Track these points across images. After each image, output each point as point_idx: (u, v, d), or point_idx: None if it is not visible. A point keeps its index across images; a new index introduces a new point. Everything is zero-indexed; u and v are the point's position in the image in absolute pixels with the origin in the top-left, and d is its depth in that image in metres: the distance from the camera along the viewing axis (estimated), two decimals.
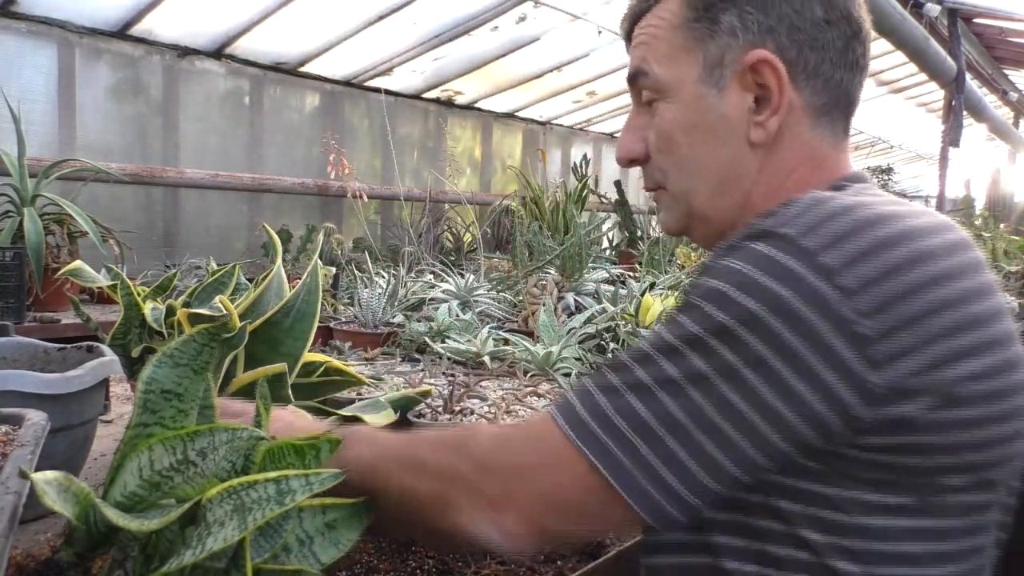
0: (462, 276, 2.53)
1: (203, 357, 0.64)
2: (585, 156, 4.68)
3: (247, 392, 0.73)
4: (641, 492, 0.60)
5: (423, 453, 0.69)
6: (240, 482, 0.56)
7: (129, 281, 1.05)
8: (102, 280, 1.12)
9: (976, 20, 5.74)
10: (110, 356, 0.97)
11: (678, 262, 3.04)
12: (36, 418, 0.74)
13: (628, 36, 0.80)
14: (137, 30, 3.31)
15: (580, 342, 1.74)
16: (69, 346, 1.02)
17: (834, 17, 0.71)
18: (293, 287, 0.89)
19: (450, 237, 4.29)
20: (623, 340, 1.70)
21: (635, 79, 0.77)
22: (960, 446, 0.60)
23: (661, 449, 0.59)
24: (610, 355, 1.65)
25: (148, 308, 1.07)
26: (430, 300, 2.19)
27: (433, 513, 0.67)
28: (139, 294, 1.08)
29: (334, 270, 2.29)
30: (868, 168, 7.33)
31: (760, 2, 0.70)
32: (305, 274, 0.87)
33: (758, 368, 0.58)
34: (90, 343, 1.01)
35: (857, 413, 0.58)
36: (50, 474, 0.56)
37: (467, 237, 4.29)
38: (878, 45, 4.92)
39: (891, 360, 0.57)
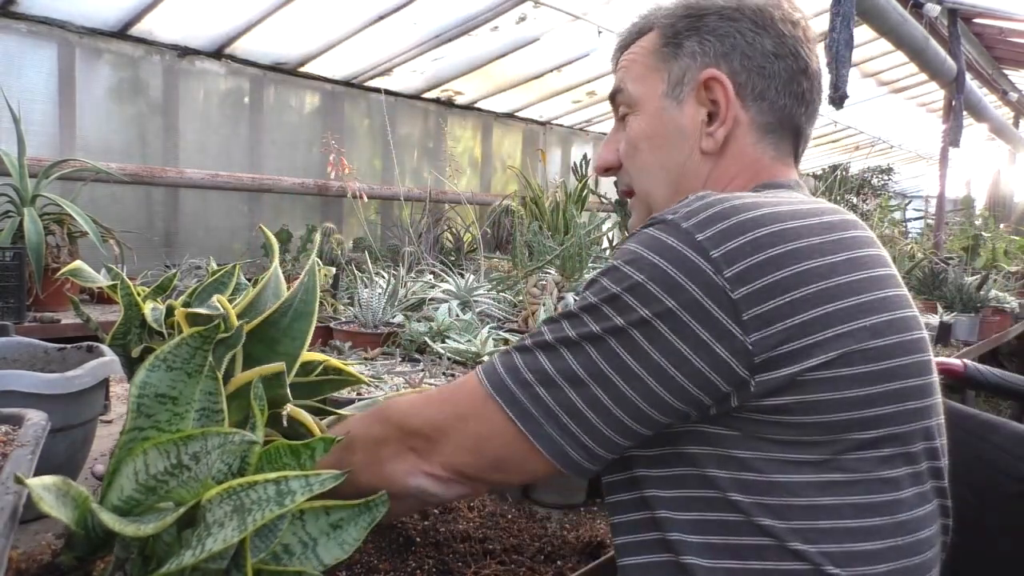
0: (462, 276, 2.53)
1: (197, 360, 0.64)
2: (585, 156, 4.67)
3: (244, 393, 0.73)
4: (547, 437, 0.69)
5: (354, 432, 0.78)
6: (240, 483, 0.56)
7: (129, 281, 1.05)
8: (102, 280, 1.12)
9: (976, 20, 5.74)
10: (110, 356, 0.97)
11: None
12: (36, 418, 0.74)
13: (616, 63, 0.93)
14: (137, 30, 3.31)
15: None
16: (69, 346, 1.02)
17: (782, 52, 0.83)
18: (291, 287, 0.89)
19: (450, 237, 4.29)
20: None
21: (614, 96, 0.91)
22: (855, 401, 0.67)
23: (563, 399, 0.69)
24: None
25: (148, 308, 1.07)
26: (430, 300, 2.19)
27: (370, 475, 0.75)
28: (139, 294, 1.08)
29: (334, 270, 2.29)
30: (868, 168, 7.33)
31: (718, 33, 0.83)
32: (303, 273, 0.87)
33: (643, 329, 0.66)
34: (90, 343, 1.01)
35: (741, 375, 0.65)
36: (48, 479, 0.56)
37: (467, 237, 4.29)
38: (878, 45, 4.92)
39: (763, 325, 0.65)
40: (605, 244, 4.26)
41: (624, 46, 0.92)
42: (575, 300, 0.73)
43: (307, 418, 0.81)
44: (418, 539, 0.85)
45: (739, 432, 0.69)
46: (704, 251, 0.66)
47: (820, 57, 0.88)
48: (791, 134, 0.86)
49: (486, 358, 1.63)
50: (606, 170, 0.93)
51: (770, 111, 0.83)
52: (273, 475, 0.56)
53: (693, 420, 0.70)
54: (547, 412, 0.69)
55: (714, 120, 0.83)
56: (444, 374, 1.50)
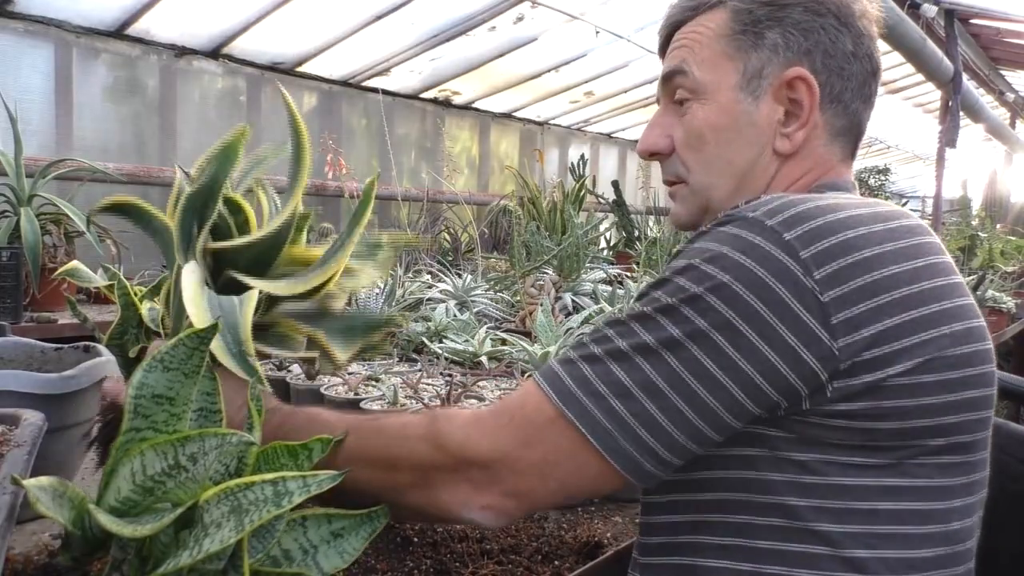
0: (460, 276, 2.53)
1: (194, 361, 0.63)
2: (583, 156, 4.68)
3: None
4: (623, 453, 0.65)
5: (404, 442, 0.72)
6: (237, 483, 0.56)
7: (126, 281, 1.04)
8: (98, 280, 1.11)
9: (973, 20, 5.75)
10: (106, 356, 0.97)
11: None
12: (33, 418, 0.74)
13: (667, 40, 0.85)
14: (134, 30, 3.30)
15: None
16: (66, 346, 1.02)
17: (860, 53, 0.78)
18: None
19: (447, 237, 4.29)
20: None
21: (671, 77, 0.82)
22: (930, 409, 0.65)
23: (641, 411, 0.64)
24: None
25: (145, 308, 1.06)
26: (428, 300, 2.19)
27: (419, 498, 0.71)
28: (136, 294, 1.08)
29: None
30: (865, 169, 7.34)
31: (802, 26, 0.77)
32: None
33: (728, 333, 0.62)
34: (87, 343, 1.01)
35: (823, 379, 0.63)
36: (44, 480, 0.56)
37: (465, 237, 4.29)
38: None
39: (851, 330, 0.62)
40: (603, 244, 4.27)
41: (681, 21, 0.83)
42: (641, 303, 0.68)
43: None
44: (415, 539, 0.85)
45: (796, 435, 0.66)
46: (793, 251, 0.63)
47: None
48: (856, 137, 0.82)
49: (484, 358, 1.63)
50: (652, 155, 0.85)
51: (843, 114, 0.79)
52: (270, 476, 0.56)
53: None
54: (623, 426, 0.65)
55: (791, 120, 0.78)
56: (441, 374, 1.50)
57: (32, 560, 0.71)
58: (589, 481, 0.68)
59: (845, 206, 0.67)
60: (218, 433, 0.58)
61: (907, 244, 0.67)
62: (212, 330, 0.64)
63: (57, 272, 1.09)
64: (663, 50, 0.86)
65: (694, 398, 0.63)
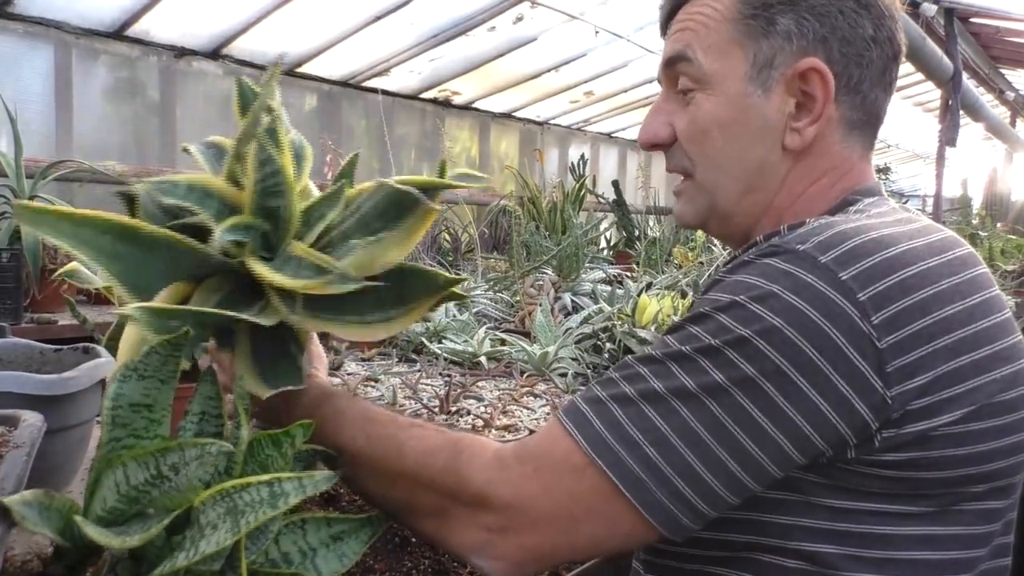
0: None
1: (168, 367, 0.63)
2: (583, 156, 4.68)
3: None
4: (659, 506, 0.59)
5: (423, 470, 0.68)
6: (233, 485, 0.56)
7: None
8: (98, 281, 1.12)
9: (973, 19, 5.75)
10: (106, 358, 0.97)
11: (675, 262, 3.04)
12: (32, 419, 0.74)
13: (668, 19, 0.78)
14: (134, 31, 3.31)
15: (577, 342, 1.75)
16: (65, 347, 1.02)
17: (881, 37, 0.72)
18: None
19: (447, 237, 4.29)
20: (619, 340, 1.70)
21: (674, 63, 0.75)
22: (976, 457, 0.61)
23: (679, 461, 0.59)
24: (606, 356, 1.65)
25: None
26: None
27: (434, 530, 0.69)
28: None
29: None
30: None
31: (818, 10, 0.70)
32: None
33: (777, 380, 0.58)
34: (86, 344, 1.02)
35: (873, 429, 0.59)
36: (28, 494, 0.56)
37: (464, 237, 4.29)
38: None
39: (904, 378, 0.58)
40: (603, 243, 4.27)
41: (682, 1, 0.76)
42: (677, 337, 0.62)
43: None
44: (414, 539, 0.85)
45: (833, 481, 0.61)
46: (850, 292, 0.58)
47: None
48: (875, 127, 0.76)
49: (483, 358, 1.63)
50: (654, 146, 0.78)
51: (862, 106, 0.73)
52: (266, 477, 0.57)
53: None
54: (659, 477, 0.59)
55: (802, 113, 0.71)
56: (441, 374, 1.51)
57: (26, 568, 0.71)
58: (621, 536, 0.62)
59: (899, 238, 0.62)
60: (197, 443, 0.58)
61: (961, 280, 0.63)
62: (183, 337, 0.64)
63: (57, 273, 1.09)
64: (665, 28, 0.79)
65: (737, 448, 0.59)
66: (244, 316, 0.69)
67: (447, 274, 0.77)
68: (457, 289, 0.78)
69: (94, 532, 0.54)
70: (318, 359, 0.88)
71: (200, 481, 0.60)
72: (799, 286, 0.59)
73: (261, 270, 0.68)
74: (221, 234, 0.68)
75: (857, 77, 0.71)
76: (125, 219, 0.69)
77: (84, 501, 0.60)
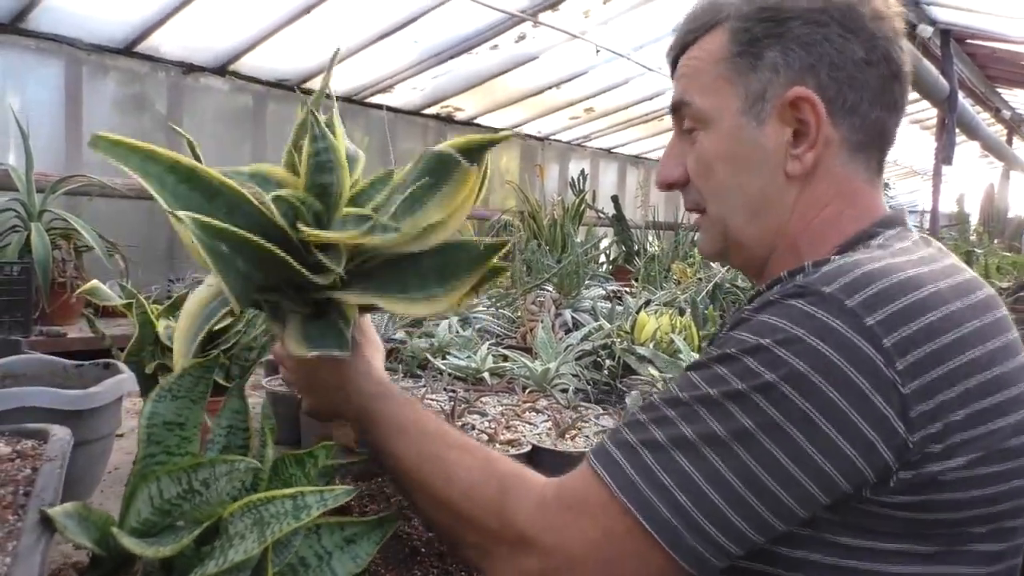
0: None
1: (200, 388, 0.68)
2: (583, 171, 4.73)
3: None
4: (689, 549, 0.62)
5: (468, 505, 0.71)
6: (259, 498, 0.60)
7: (144, 300, 1.09)
8: (117, 299, 1.16)
9: (969, 40, 5.82)
10: (127, 374, 1.01)
11: (674, 278, 3.08)
12: (61, 433, 0.78)
13: (674, 65, 0.82)
14: (143, 47, 3.37)
15: (577, 359, 1.78)
16: (86, 363, 1.06)
17: (874, 58, 0.73)
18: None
19: None
20: (619, 357, 1.74)
21: (678, 109, 0.80)
22: (985, 499, 0.63)
23: (708, 504, 0.61)
24: (605, 372, 1.68)
25: (162, 326, 1.11)
26: (431, 316, 2.23)
27: (472, 558, 0.72)
28: (153, 312, 1.12)
29: None
30: None
31: (803, 41, 0.72)
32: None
33: (803, 425, 0.59)
34: (107, 360, 1.06)
35: (893, 472, 0.60)
36: (69, 506, 0.60)
37: None
38: None
39: (927, 422, 0.59)
40: (603, 259, 4.31)
41: (684, 45, 0.80)
42: (702, 376, 0.64)
43: None
44: (423, 549, 0.88)
45: (843, 518, 0.63)
46: (875, 338, 0.59)
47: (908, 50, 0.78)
48: (880, 146, 0.77)
49: (486, 374, 1.67)
50: (669, 185, 0.83)
51: (861, 128, 0.74)
52: (290, 491, 0.61)
53: None
54: (690, 522, 0.61)
55: (801, 140, 0.74)
56: (445, 390, 1.54)
57: None
58: (651, 575, 0.64)
59: (924, 279, 0.63)
60: (227, 460, 0.62)
61: (983, 323, 0.64)
62: (214, 361, 0.68)
63: (79, 291, 1.13)
64: (673, 75, 0.83)
65: (765, 491, 0.60)
66: (283, 254, 0.67)
67: (486, 240, 0.78)
68: (497, 261, 0.79)
69: (130, 542, 0.58)
70: (375, 347, 0.91)
71: (228, 496, 0.64)
72: (824, 331, 0.60)
73: (308, 230, 0.69)
74: (270, 198, 0.70)
75: (853, 99, 0.73)
76: (194, 163, 0.70)
77: (120, 513, 0.63)
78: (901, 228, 0.75)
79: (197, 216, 0.64)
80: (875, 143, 0.76)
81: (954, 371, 0.60)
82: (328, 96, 0.84)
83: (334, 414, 0.87)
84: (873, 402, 0.59)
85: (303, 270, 0.69)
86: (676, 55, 0.81)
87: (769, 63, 0.73)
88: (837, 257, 0.67)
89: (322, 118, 0.78)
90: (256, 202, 0.71)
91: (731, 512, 0.61)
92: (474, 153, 0.75)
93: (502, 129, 5.43)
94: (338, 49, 0.92)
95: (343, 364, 0.81)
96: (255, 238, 0.66)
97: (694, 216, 0.85)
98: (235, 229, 0.66)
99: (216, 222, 0.65)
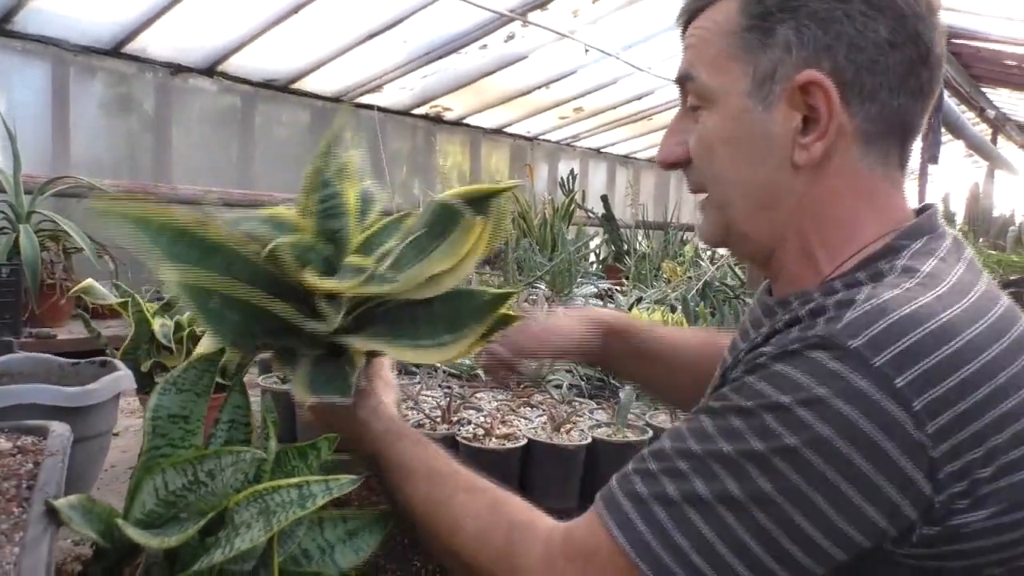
0: None
1: (204, 382, 0.68)
2: (572, 171, 4.74)
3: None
4: None
5: (475, 555, 0.69)
6: (265, 487, 0.61)
7: (140, 299, 1.09)
8: (112, 298, 1.16)
9: (954, 40, 5.87)
10: (124, 371, 1.01)
11: (664, 276, 3.09)
12: (60, 429, 0.78)
13: (682, 34, 0.76)
14: (131, 48, 3.35)
15: None
16: (83, 361, 1.06)
17: (900, 39, 0.65)
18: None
19: None
20: None
21: (682, 81, 0.74)
22: (996, 547, 0.60)
23: (723, 566, 0.59)
24: (598, 368, 1.69)
25: (157, 325, 1.11)
26: None
27: None
28: (148, 311, 1.12)
29: None
30: None
31: (820, 17, 0.65)
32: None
33: (826, 490, 0.57)
34: (104, 358, 1.05)
35: (917, 529, 0.58)
36: (74, 499, 0.61)
37: None
38: None
39: (954, 481, 0.57)
40: (593, 258, 4.33)
41: (693, 12, 0.73)
42: (718, 428, 0.61)
43: None
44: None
45: (858, 564, 0.60)
46: (906, 402, 0.56)
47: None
48: (902, 138, 0.70)
49: (480, 371, 1.67)
50: (671, 165, 0.76)
51: (879, 117, 0.67)
52: (295, 480, 0.61)
53: None
54: None
55: (810, 127, 0.67)
56: (440, 386, 1.55)
57: (65, 571, 0.75)
58: None
59: (959, 325, 0.59)
60: (232, 451, 0.63)
61: (1017, 369, 0.60)
62: (219, 354, 0.69)
63: (74, 289, 1.13)
64: (683, 38, 0.77)
65: (783, 555, 0.58)
66: (270, 303, 0.68)
67: (492, 290, 0.78)
68: (507, 309, 0.78)
69: (135, 533, 0.59)
70: (388, 387, 0.88)
71: (232, 488, 0.64)
72: (850, 394, 0.56)
73: (311, 279, 0.70)
74: (277, 243, 0.71)
75: (872, 85, 0.66)
76: (184, 219, 0.70)
77: (124, 506, 0.64)
78: (928, 237, 0.69)
79: (182, 274, 0.65)
80: (895, 134, 0.69)
81: (985, 427, 0.57)
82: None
83: (354, 448, 0.86)
84: (900, 466, 0.56)
85: (298, 318, 0.70)
86: (685, 22, 0.75)
87: (781, 40, 0.66)
88: (860, 290, 0.62)
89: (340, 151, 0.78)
90: (254, 252, 0.71)
91: (746, 572, 0.59)
92: (480, 203, 0.73)
93: (491, 129, 5.44)
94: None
95: (352, 406, 0.78)
96: (241, 290, 0.67)
97: (683, 216, 0.83)
98: (217, 284, 0.66)
99: (198, 279, 0.66)
